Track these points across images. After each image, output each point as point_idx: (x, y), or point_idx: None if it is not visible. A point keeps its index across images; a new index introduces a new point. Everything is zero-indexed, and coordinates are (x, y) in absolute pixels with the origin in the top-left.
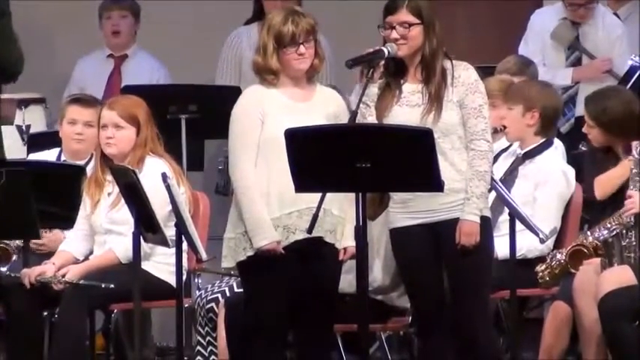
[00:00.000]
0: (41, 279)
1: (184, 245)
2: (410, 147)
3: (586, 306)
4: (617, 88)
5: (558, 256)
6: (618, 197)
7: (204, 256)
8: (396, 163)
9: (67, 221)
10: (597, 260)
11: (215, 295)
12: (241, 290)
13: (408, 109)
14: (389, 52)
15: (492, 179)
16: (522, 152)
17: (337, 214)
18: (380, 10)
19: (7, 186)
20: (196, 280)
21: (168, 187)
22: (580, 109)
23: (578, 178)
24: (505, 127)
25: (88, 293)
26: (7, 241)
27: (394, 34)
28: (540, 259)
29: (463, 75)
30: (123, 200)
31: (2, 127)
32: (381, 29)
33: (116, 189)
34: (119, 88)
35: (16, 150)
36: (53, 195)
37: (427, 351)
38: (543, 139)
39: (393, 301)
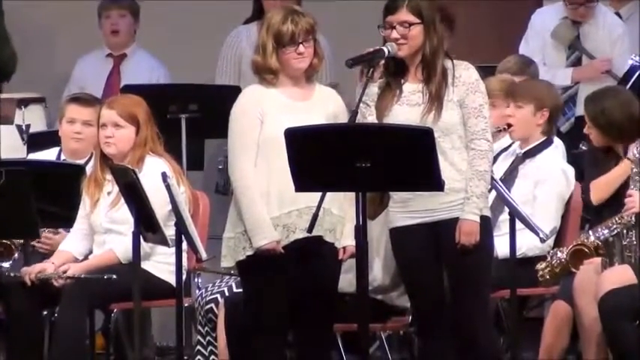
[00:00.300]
0: (42, 276)
1: (184, 245)
2: (410, 146)
3: (586, 305)
4: (616, 89)
5: (559, 255)
6: (619, 197)
7: (204, 255)
8: (396, 163)
9: (66, 221)
10: (598, 260)
11: (214, 296)
12: (240, 290)
13: (408, 108)
14: (389, 52)
15: (492, 179)
16: (522, 151)
17: (337, 214)
18: (380, 10)
19: (7, 185)
20: (196, 280)
21: (168, 187)
22: (580, 109)
23: (579, 178)
24: (510, 126)
25: (88, 293)
26: None
27: (394, 34)
28: (540, 257)
29: (464, 74)
30: (122, 200)
31: (2, 126)
32: (381, 29)
33: (116, 188)
34: (118, 87)
35: (15, 149)
36: (53, 194)
37: (427, 350)
38: (544, 138)
39: (393, 300)
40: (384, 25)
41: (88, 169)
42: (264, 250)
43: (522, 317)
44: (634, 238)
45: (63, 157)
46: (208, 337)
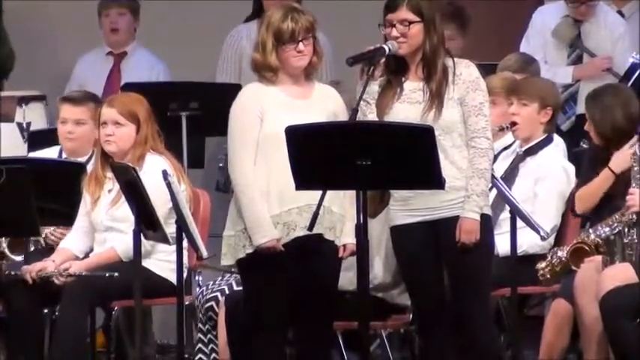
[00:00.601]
0: (42, 274)
1: (185, 243)
2: (411, 144)
3: (587, 304)
4: (617, 87)
5: (559, 253)
6: (619, 195)
7: (204, 253)
8: (396, 161)
9: (67, 219)
10: (599, 258)
11: (215, 294)
12: (241, 288)
13: (408, 106)
14: (389, 50)
15: (493, 177)
16: (523, 149)
17: (337, 212)
18: (380, 8)
19: (8, 183)
20: (197, 278)
21: (168, 185)
22: (581, 107)
23: (579, 176)
24: (514, 124)
25: (88, 291)
26: None
27: (394, 32)
28: (541, 255)
29: (464, 72)
30: (123, 197)
31: (3, 124)
32: (381, 27)
33: (116, 186)
34: (119, 85)
35: (16, 147)
36: (54, 192)
37: (428, 349)
38: (544, 136)
39: (394, 298)
40: (385, 24)
41: (89, 167)
42: (264, 248)
43: (523, 315)
44: (635, 236)
45: (64, 155)
46: (209, 335)
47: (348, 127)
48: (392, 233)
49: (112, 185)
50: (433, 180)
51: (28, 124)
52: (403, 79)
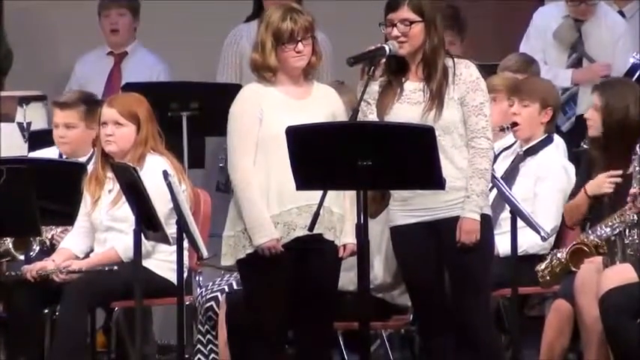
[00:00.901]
0: (43, 272)
1: (185, 243)
2: (411, 145)
3: (587, 304)
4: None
5: (559, 255)
6: (619, 195)
7: (205, 253)
8: (397, 161)
9: (67, 219)
10: (599, 258)
11: (215, 294)
12: (241, 288)
13: (409, 106)
14: (390, 50)
15: (494, 177)
16: (524, 149)
17: (337, 212)
18: (381, 8)
19: (8, 183)
20: (197, 278)
21: (169, 185)
22: (581, 109)
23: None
24: (515, 125)
25: (89, 291)
26: None
27: (395, 32)
28: (542, 255)
29: (464, 73)
30: (124, 198)
31: (3, 124)
32: (382, 27)
33: (117, 186)
34: (119, 85)
35: (17, 147)
36: (54, 192)
37: (428, 349)
38: (544, 136)
39: (394, 299)
40: (385, 23)
41: (90, 167)
42: (264, 247)
43: (523, 316)
44: (636, 237)
45: (65, 155)
46: (208, 336)
47: (349, 127)
48: (392, 234)
49: (112, 185)
50: (433, 180)
51: (29, 124)
52: (403, 79)
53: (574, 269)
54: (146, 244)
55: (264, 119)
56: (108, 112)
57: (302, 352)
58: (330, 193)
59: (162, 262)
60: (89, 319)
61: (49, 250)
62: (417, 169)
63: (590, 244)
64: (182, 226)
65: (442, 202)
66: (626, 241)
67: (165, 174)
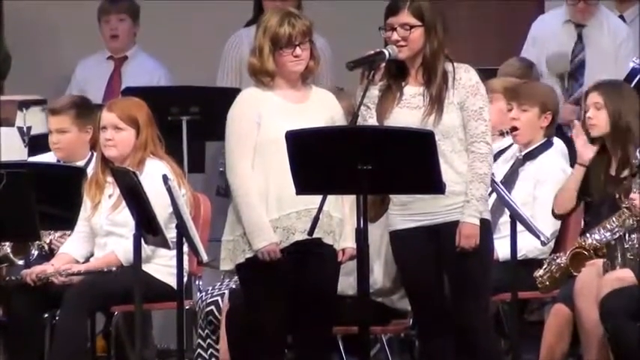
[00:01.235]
0: (42, 276)
1: (185, 247)
2: (411, 149)
3: (587, 308)
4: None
5: (558, 260)
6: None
7: (204, 258)
8: (397, 166)
9: (67, 223)
10: (599, 262)
11: (215, 298)
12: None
13: (408, 111)
14: (390, 54)
15: (493, 181)
16: (523, 153)
17: (335, 216)
18: (381, 12)
19: (8, 187)
20: (197, 282)
21: (169, 189)
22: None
23: None
24: (514, 129)
25: (89, 296)
26: None
27: (395, 36)
28: (541, 260)
29: (464, 77)
30: (124, 202)
31: (3, 128)
32: (382, 31)
33: (117, 191)
34: (119, 89)
35: (16, 151)
36: (54, 197)
37: (428, 353)
38: (544, 140)
39: (394, 303)
40: (385, 27)
41: (89, 170)
42: (264, 251)
43: (523, 320)
44: (635, 241)
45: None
46: (208, 340)
47: (349, 131)
48: (391, 238)
49: (112, 190)
50: (433, 185)
51: (29, 128)
52: (403, 83)
53: (575, 273)
54: (146, 249)
55: (263, 124)
56: (107, 117)
57: (301, 357)
58: (329, 198)
59: (162, 266)
60: (89, 323)
61: (47, 254)
62: (417, 173)
63: (589, 248)
64: (182, 230)
65: (442, 206)
66: (626, 246)
67: (165, 178)
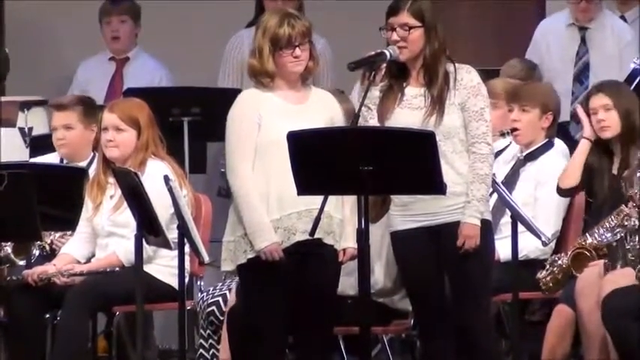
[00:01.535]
0: (44, 276)
1: (186, 248)
2: (413, 150)
3: (589, 309)
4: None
5: (559, 261)
6: (616, 197)
7: (206, 258)
8: (398, 166)
9: (69, 224)
10: (601, 262)
11: (216, 299)
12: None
13: (409, 111)
14: (391, 55)
15: (494, 182)
16: (524, 154)
17: (336, 216)
18: (382, 13)
19: (9, 188)
20: (199, 283)
21: (170, 190)
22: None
23: None
24: (515, 130)
25: (90, 296)
26: None
27: (395, 36)
28: (542, 260)
29: (465, 78)
30: (125, 203)
31: (4, 129)
32: (382, 31)
33: (118, 191)
34: (121, 90)
35: (18, 152)
36: (55, 197)
37: (429, 354)
38: (545, 140)
39: (395, 303)
40: (386, 27)
41: (90, 171)
42: (266, 251)
43: (524, 321)
44: (637, 242)
45: (65, 160)
46: (210, 340)
47: (350, 132)
48: (392, 238)
49: (113, 191)
50: (434, 185)
51: (30, 129)
52: (404, 84)
53: (576, 274)
54: (147, 249)
55: (263, 124)
56: (109, 118)
57: (302, 357)
58: (330, 198)
59: (163, 267)
60: (90, 323)
61: (48, 255)
62: (418, 174)
63: (590, 247)
64: (183, 231)
65: (442, 207)
66: (627, 247)
67: (167, 179)
